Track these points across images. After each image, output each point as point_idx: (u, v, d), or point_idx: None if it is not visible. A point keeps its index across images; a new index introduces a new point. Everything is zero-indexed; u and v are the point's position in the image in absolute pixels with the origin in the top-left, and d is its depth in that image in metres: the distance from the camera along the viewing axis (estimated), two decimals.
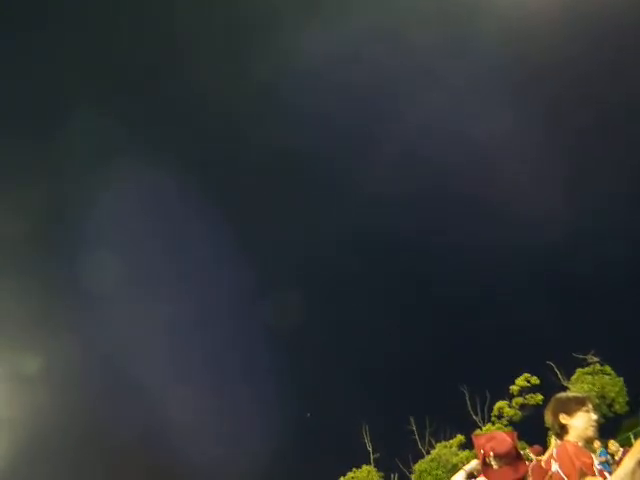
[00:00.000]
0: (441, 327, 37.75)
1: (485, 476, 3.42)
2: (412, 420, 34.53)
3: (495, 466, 3.26)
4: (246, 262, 43.08)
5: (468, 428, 31.40)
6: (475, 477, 4.12)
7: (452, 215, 43.13)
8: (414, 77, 43.35)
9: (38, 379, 38.64)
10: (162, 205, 45.21)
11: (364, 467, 34.17)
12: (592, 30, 37.64)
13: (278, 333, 40.83)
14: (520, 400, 31.78)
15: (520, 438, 14.50)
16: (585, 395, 3.58)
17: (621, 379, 29.98)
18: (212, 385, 38.15)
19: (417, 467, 32.23)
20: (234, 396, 38.63)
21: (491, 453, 3.26)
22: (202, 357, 41.14)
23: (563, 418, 3.37)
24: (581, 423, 3.33)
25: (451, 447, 31.79)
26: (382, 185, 43.27)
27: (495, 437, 3.37)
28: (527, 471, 3.33)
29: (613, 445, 11.57)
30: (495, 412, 32.35)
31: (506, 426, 30.29)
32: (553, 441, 4.38)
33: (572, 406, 3.39)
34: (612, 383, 29.76)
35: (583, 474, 3.05)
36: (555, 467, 3.23)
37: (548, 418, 3.48)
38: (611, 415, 29.12)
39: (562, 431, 3.37)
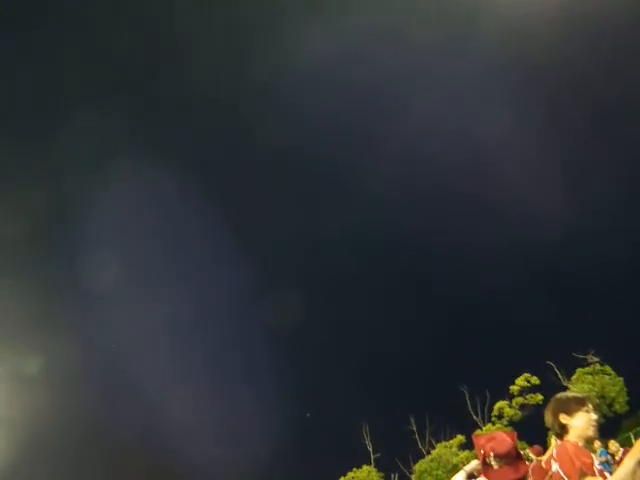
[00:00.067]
0: (441, 327, 37.79)
1: (485, 476, 3.41)
2: (412, 420, 34.59)
3: (495, 466, 3.24)
4: (246, 262, 43.12)
5: (468, 428, 31.49)
6: (475, 477, 4.11)
7: (452, 215, 43.20)
8: (414, 77, 43.38)
9: (38, 379, 38.68)
10: (162, 205, 45.23)
11: (364, 467, 34.20)
12: (591, 30, 37.70)
13: (278, 333, 40.90)
14: (520, 400, 31.77)
15: (520, 438, 14.45)
16: (585, 395, 3.57)
17: (621, 379, 29.99)
18: (212, 385, 38.17)
19: (417, 467, 32.25)
20: (234, 396, 38.66)
21: (491, 453, 3.24)
22: (202, 357, 41.18)
23: (563, 418, 3.36)
24: (581, 423, 3.32)
25: (451, 447, 31.81)
26: (382, 185, 43.33)
27: (495, 437, 3.36)
28: (527, 471, 3.31)
29: (613, 445, 11.54)
30: (495, 412, 32.34)
31: (506, 426, 30.28)
32: (553, 441, 4.37)
33: (572, 406, 3.38)
34: (612, 383, 29.77)
35: (583, 474, 3.04)
36: (555, 467, 3.22)
37: (548, 418, 3.47)
38: (611, 415, 29.14)
39: (562, 431, 3.36)
